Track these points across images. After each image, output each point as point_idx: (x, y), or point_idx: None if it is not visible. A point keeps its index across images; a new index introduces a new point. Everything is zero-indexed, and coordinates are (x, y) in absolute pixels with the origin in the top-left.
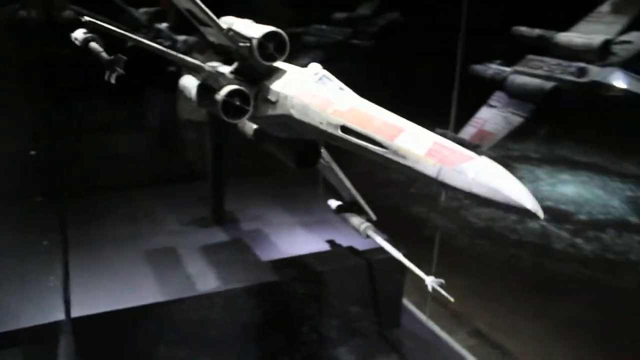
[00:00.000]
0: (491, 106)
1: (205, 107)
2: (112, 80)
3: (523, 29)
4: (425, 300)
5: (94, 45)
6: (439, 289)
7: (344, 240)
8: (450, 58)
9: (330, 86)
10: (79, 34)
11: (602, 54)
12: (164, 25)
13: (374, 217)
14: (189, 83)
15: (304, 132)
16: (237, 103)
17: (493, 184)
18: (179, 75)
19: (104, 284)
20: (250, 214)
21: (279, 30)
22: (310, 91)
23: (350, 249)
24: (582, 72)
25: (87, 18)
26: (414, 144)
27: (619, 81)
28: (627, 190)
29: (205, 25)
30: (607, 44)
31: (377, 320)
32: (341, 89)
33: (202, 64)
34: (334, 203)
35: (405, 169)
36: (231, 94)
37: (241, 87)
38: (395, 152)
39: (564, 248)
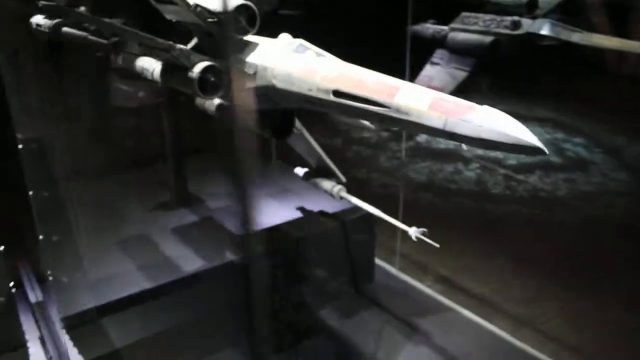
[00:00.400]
0: (434, 64)
1: (173, 86)
2: (120, 61)
3: None
4: (393, 254)
5: (71, 30)
6: (423, 237)
7: (312, 206)
8: (391, 19)
9: (309, 54)
10: (41, 20)
11: (530, 8)
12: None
13: (343, 179)
14: (149, 64)
15: (287, 102)
16: (212, 79)
17: (500, 128)
18: (107, 60)
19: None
20: (213, 192)
21: (249, 2)
22: (291, 60)
23: (321, 213)
24: (515, 25)
25: (43, 2)
26: (414, 100)
27: (551, 31)
28: (545, 134)
29: (167, 2)
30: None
31: (353, 278)
32: (320, 55)
33: (172, 43)
34: (301, 170)
35: (409, 125)
36: (204, 70)
37: (214, 63)
38: (397, 110)
39: (501, 191)
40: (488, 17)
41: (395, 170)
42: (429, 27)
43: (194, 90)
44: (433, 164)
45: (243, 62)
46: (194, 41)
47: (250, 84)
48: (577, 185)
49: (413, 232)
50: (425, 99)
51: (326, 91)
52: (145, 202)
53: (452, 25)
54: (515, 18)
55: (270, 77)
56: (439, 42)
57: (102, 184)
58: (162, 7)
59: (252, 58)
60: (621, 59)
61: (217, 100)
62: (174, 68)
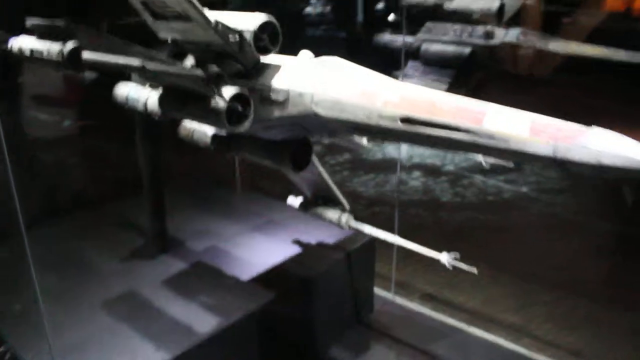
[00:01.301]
0: (408, 76)
1: (173, 117)
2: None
3: None
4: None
5: (102, 56)
6: (458, 263)
7: (307, 238)
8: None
9: (353, 73)
10: (36, 43)
11: (499, 16)
12: None
13: (347, 206)
14: (137, 92)
15: (329, 131)
16: (240, 109)
17: (624, 152)
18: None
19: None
20: (191, 229)
21: (272, 18)
22: (335, 83)
23: (320, 245)
24: (489, 35)
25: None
26: (509, 124)
27: (529, 40)
28: None
29: (170, 19)
30: (502, 7)
31: (355, 310)
32: (367, 74)
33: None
34: (295, 200)
35: (507, 154)
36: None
37: (241, 90)
38: (491, 137)
39: (450, 199)
40: (457, 27)
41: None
42: (396, 39)
43: (220, 122)
44: (377, 176)
45: (270, 88)
46: (190, 63)
47: (279, 113)
48: (518, 186)
49: (446, 259)
50: (521, 123)
51: (392, 118)
52: (115, 251)
53: (421, 36)
54: (489, 28)
55: (309, 104)
56: (411, 53)
57: (53, 231)
58: (159, 25)
59: (280, 82)
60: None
61: (210, 131)
62: (182, 96)
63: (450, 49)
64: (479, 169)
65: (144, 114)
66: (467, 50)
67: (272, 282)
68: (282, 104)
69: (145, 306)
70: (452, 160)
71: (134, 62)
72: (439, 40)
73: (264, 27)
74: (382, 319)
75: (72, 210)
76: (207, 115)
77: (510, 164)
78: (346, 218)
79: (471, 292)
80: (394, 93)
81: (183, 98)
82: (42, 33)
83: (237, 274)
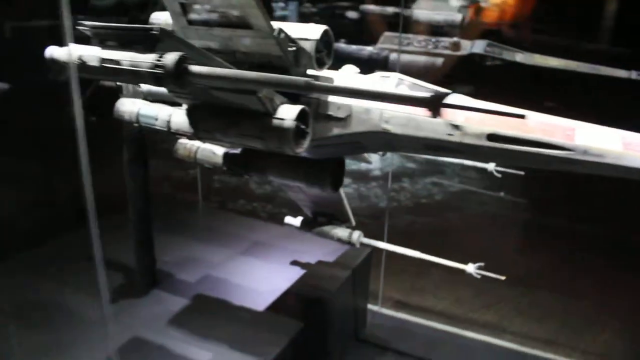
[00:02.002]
0: None
1: (213, 138)
2: None
3: (373, 7)
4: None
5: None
6: (485, 272)
7: (301, 256)
8: None
9: (418, 89)
10: (113, 54)
11: (462, 27)
12: None
13: (353, 222)
14: (155, 109)
15: (398, 149)
16: (303, 127)
17: None
18: None
19: None
20: (175, 258)
21: (327, 28)
22: None
23: (321, 264)
24: (456, 46)
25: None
26: (601, 140)
27: (496, 51)
28: None
29: (224, 25)
30: (463, 20)
31: (353, 326)
32: (436, 90)
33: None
34: (294, 220)
35: (600, 168)
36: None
37: (304, 107)
38: (585, 152)
39: (387, 204)
40: (421, 37)
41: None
42: (365, 48)
43: (284, 142)
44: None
45: (330, 103)
46: None
47: (339, 130)
48: (445, 187)
49: (473, 269)
50: (611, 138)
51: (477, 135)
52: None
53: (384, 46)
54: (455, 39)
55: (378, 121)
56: (380, 64)
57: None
58: (191, 32)
59: (337, 98)
60: None
61: (218, 149)
62: (227, 114)
63: (421, 59)
64: (402, 172)
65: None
66: (439, 60)
67: (288, 308)
68: (344, 120)
69: (161, 355)
70: (376, 165)
71: (298, 81)
72: (408, 51)
73: (323, 38)
74: (378, 332)
75: (19, 248)
76: (264, 135)
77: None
78: (357, 235)
79: (438, 294)
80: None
81: (229, 117)
82: (107, 41)
83: (248, 304)
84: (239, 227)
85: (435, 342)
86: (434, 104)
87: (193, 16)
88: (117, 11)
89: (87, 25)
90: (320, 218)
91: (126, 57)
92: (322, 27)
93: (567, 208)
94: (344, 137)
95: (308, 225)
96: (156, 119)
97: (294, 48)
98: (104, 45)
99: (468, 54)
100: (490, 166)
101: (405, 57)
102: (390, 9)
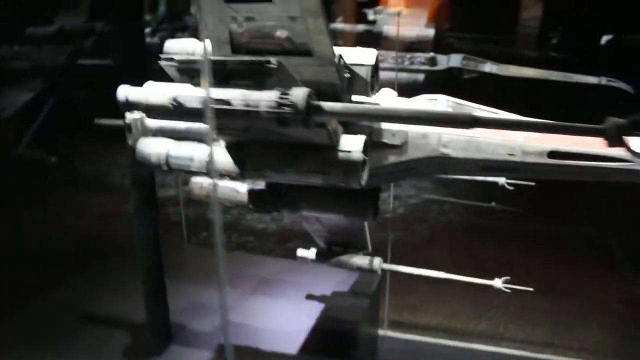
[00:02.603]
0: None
1: (267, 178)
2: None
3: (344, 25)
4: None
5: None
6: (513, 286)
7: (316, 289)
8: None
9: (468, 110)
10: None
11: (435, 43)
12: None
13: (370, 248)
14: (189, 149)
15: (455, 172)
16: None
17: None
18: None
19: None
20: (181, 305)
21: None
22: None
23: (337, 294)
24: (433, 61)
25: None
26: None
27: (473, 64)
28: None
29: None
30: (439, 34)
31: (372, 353)
32: (481, 109)
33: None
34: (307, 252)
35: None
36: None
37: (365, 136)
38: None
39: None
40: (393, 54)
41: (235, 224)
42: None
43: (351, 177)
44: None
45: (382, 130)
46: None
47: (396, 158)
48: (404, 199)
49: (500, 283)
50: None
51: (539, 153)
52: (99, 352)
53: None
54: (432, 54)
55: (436, 146)
56: None
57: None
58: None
59: (389, 125)
60: None
61: (241, 186)
62: (282, 151)
63: (403, 76)
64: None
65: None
66: (421, 77)
67: (319, 346)
68: (399, 147)
69: None
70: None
71: (463, 117)
72: (384, 68)
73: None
74: (392, 357)
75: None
76: (328, 170)
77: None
78: (378, 262)
79: (429, 310)
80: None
81: (285, 152)
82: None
83: (279, 349)
84: (238, 264)
85: (437, 356)
86: (615, 134)
87: (239, 42)
88: (58, 39)
89: (176, 60)
90: (334, 248)
91: (237, 96)
92: (374, 52)
93: (542, 213)
94: (400, 165)
95: (324, 256)
96: (192, 160)
97: (348, 74)
98: (193, 82)
99: (445, 68)
100: (502, 180)
101: (384, 75)
102: (361, 27)
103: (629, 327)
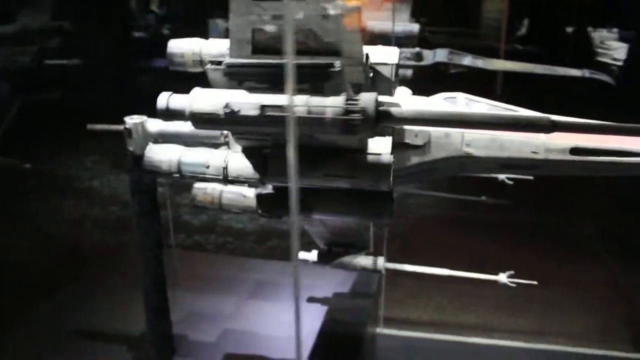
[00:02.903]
0: None
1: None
2: None
3: None
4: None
5: None
6: (518, 280)
7: (317, 291)
8: None
9: (495, 109)
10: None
11: (419, 38)
12: None
13: (371, 248)
14: (204, 155)
15: (476, 171)
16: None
17: None
18: None
19: None
20: (180, 315)
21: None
22: None
23: (339, 295)
24: (419, 56)
25: None
26: None
27: (458, 59)
28: None
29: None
30: (422, 30)
31: (372, 351)
32: (499, 107)
33: None
34: (309, 255)
35: None
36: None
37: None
38: None
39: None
40: None
41: (212, 225)
42: None
43: (381, 179)
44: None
45: (405, 131)
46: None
47: (418, 159)
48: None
49: (505, 278)
50: None
51: (562, 150)
52: None
53: None
54: (417, 49)
55: (459, 146)
56: None
57: None
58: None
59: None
60: None
61: (248, 191)
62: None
63: None
64: None
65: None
66: (409, 72)
67: (328, 350)
68: (422, 148)
69: None
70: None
71: (542, 121)
72: None
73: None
74: (391, 355)
75: None
76: (357, 173)
77: None
78: (382, 261)
79: (417, 304)
80: None
81: (312, 157)
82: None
83: (287, 355)
84: (232, 268)
85: (445, 354)
86: None
87: (261, 43)
88: (21, 39)
89: (227, 63)
90: (335, 248)
91: (301, 103)
92: (396, 50)
93: (528, 205)
94: (423, 165)
95: (325, 258)
96: (207, 167)
97: (371, 74)
98: (241, 86)
99: (432, 63)
100: (502, 175)
101: None
102: None
103: (612, 309)
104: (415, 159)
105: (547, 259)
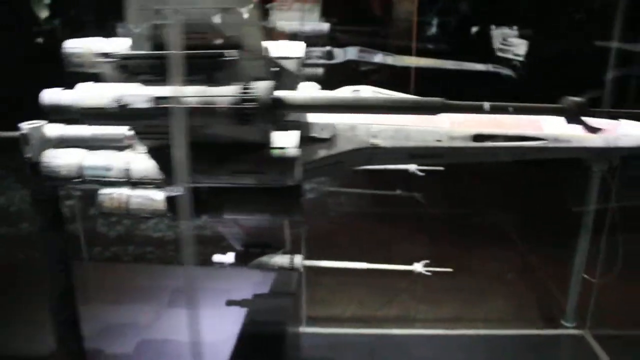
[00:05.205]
0: None
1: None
2: None
3: None
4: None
5: None
6: (433, 268)
7: (236, 294)
8: None
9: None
10: None
11: (328, 37)
12: None
13: (288, 246)
14: (105, 157)
15: (383, 162)
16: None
17: None
18: None
19: None
20: (93, 328)
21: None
22: None
23: (258, 296)
24: (330, 55)
25: None
26: (565, 128)
27: (369, 56)
28: None
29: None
30: (331, 28)
31: (296, 350)
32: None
33: None
34: (224, 257)
35: (566, 152)
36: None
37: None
38: (557, 140)
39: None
40: None
41: (129, 236)
42: None
43: (288, 172)
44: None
45: (311, 124)
46: None
47: (325, 152)
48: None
49: (421, 267)
50: (571, 125)
51: (464, 138)
52: None
53: None
54: (328, 48)
55: (365, 137)
56: None
57: None
58: None
59: (315, 117)
60: None
61: (157, 194)
62: (212, 152)
63: (306, 71)
64: None
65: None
66: (319, 70)
67: (248, 352)
68: (329, 141)
69: None
70: None
71: (434, 102)
72: None
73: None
74: (314, 353)
75: None
76: (264, 169)
77: None
78: (299, 259)
79: (340, 301)
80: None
81: (216, 154)
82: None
83: None
84: (146, 276)
85: (371, 348)
86: (574, 112)
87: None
88: None
89: (118, 55)
90: (252, 249)
91: (195, 93)
92: (302, 44)
93: (438, 197)
94: (330, 158)
95: (242, 259)
96: (108, 170)
97: (276, 68)
98: (135, 80)
99: (344, 61)
100: (412, 167)
101: None
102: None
103: (524, 294)
104: (322, 152)
105: (462, 248)
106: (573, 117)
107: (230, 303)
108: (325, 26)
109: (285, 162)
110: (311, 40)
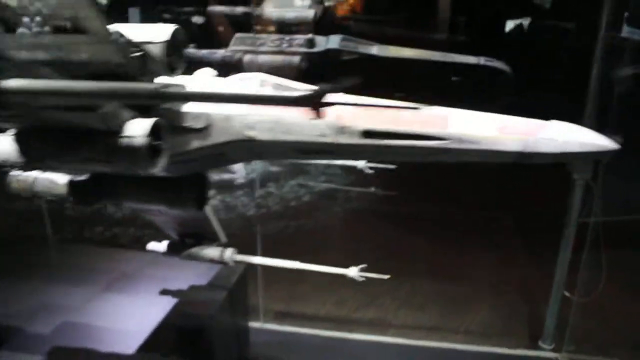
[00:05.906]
0: None
1: (46, 166)
2: None
3: (222, 8)
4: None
5: None
6: (369, 274)
7: (174, 284)
8: None
9: (288, 89)
10: None
11: (315, 24)
12: None
13: (224, 239)
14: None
15: (269, 156)
16: (156, 143)
17: (582, 139)
18: None
19: None
20: (23, 308)
21: (178, 27)
22: None
23: (194, 288)
24: (311, 43)
25: None
26: (476, 126)
27: (351, 45)
28: None
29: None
30: (316, 15)
31: (239, 347)
32: (300, 86)
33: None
34: (158, 245)
35: (476, 155)
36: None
37: (158, 120)
38: (460, 140)
39: (256, 212)
40: (274, 37)
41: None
42: (215, 52)
43: (138, 162)
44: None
45: (184, 114)
46: None
47: (199, 143)
48: (311, 188)
49: (356, 273)
50: (487, 123)
51: (351, 134)
52: None
53: (237, 48)
54: (310, 36)
55: (241, 129)
56: (233, 66)
57: None
58: (12, 40)
59: (192, 106)
60: None
61: (61, 178)
62: (63, 136)
63: (279, 59)
64: (270, 176)
65: None
66: (296, 59)
67: (162, 344)
68: (203, 131)
69: None
70: (240, 173)
71: (147, 89)
72: (259, 51)
73: (173, 40)
74: (263, 351)
75: None
76: (112, 158)
77: None
78: (230, 253)
79: (319, 299)
80: (344, 107)
81: (65, 140)
82: None
83: (117, 349)
84: (98, 260)
85: (322, 350)
86: (314, 102)
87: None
88: None
89: None
90: (187, 240)
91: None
92: (171, 27)
93: (434, 197)
94: (205, 150)
95: (175, 249)
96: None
97: (139, 53)
98: None
99: (324, 50)
100: (361, 164)
101: (262, 58)
102: (240, 9)
103: (515, 307)
104: (196, 143)
105: (453, 253)
106: (312, 108)
107: (164, 292)
108: (310, 13)
109: (133, 152)
110: (292, 28)
